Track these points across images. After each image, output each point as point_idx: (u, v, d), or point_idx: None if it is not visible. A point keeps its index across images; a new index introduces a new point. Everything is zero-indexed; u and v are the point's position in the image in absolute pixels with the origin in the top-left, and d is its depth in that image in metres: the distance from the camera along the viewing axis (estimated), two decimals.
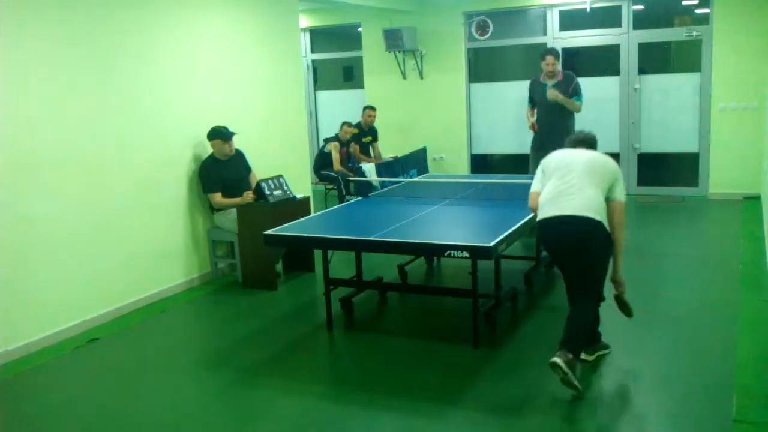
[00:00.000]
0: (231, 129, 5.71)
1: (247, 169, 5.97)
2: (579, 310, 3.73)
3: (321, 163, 8.24)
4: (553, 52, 6.81)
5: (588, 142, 4.01)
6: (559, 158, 3.88)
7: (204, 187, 5.72)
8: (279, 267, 5.83)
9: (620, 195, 3.71)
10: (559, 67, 6.93)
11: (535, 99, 6.92)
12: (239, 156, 5.86)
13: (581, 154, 3.83)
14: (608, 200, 3.68)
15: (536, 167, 6.59)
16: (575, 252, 3.66)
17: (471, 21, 9.52)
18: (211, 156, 5.72)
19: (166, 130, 5.52)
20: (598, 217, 3.58)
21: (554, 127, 6.64)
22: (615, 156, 8.90)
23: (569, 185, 3.68)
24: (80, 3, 4.76)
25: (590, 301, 3.76)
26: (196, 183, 5.78)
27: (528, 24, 9.46)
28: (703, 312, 4.69)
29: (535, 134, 6.95)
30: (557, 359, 3.42)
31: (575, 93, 6.71)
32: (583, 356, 3.84)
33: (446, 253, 3.83)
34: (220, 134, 5.63)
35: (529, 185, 5.68)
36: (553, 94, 6.63)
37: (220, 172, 5.69)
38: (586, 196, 3.62)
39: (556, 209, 3.67)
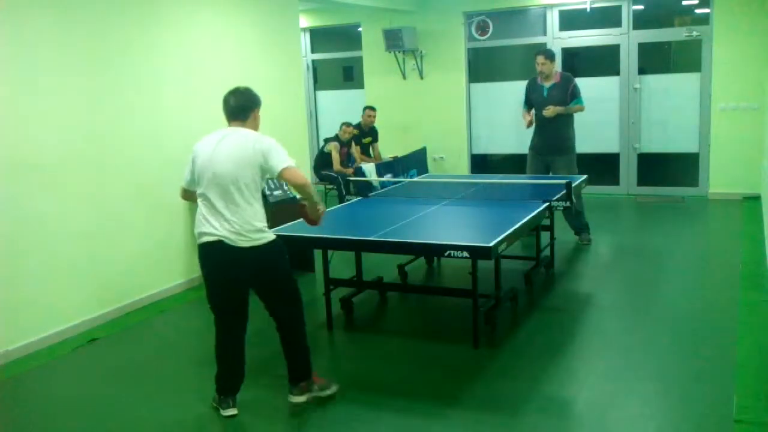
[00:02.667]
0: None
1: None
2: (293, 327, 3.47)
3: (321, 163, 8.24)
4: (545, 52, 6.56)
5: (242, 108, 3.37)
6: (208, 165, 3.28)
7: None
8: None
9: (281, 163, 3.22)
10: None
11: (533, 100, 6.71)
12: None
13: (228, 162, 3.24)
14: (278, 176, 3.26)
15: (534, 169, 6.63)
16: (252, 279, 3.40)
17: (471, 21, 9.52)
18: None
19: (166, 130, 5.52)
20: (247, 242, 3.24)
21: (553, 129, 6.48)
22: (615, 156, 8.98)
23: (218, 204, 3.25)
24: (81, 3, 4.76)
25: (297, 311, 3.50)
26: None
27: (528, 24, 9.46)
28: (703, 312, 4.69)
29: (534, 135, 6.78)
30: (293, 399, 3.45)
31: (574, 96, 6.46)
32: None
33: (446, 253, 3.83)
34: None
35: (529, 185, 5.73)
36: (551, 111, 6.36)
37: None
38: (238, 216, 3.24)
39: (205, 236, 3.29)
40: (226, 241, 3.25)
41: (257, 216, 3.31)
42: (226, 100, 3.41)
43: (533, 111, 6.72)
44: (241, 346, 3.53)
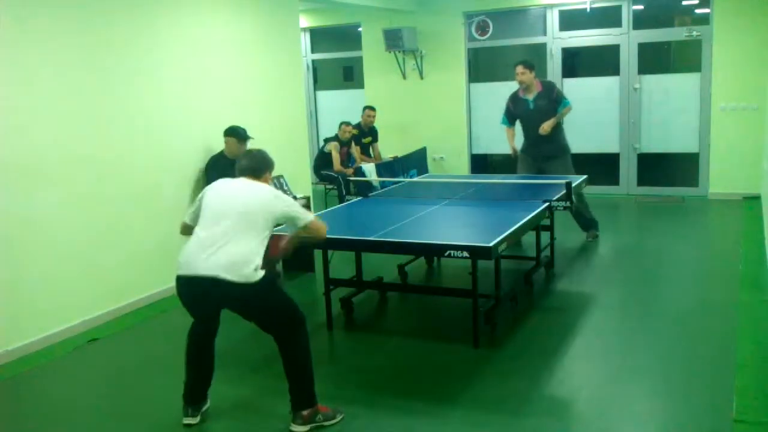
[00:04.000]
0: (249, 134, 5.68)
1: None
2: (288, 352, 3.28)
3: (321, 163, 8.24)
4: (524, 62, 6.36)
5: (252, 169, 3.40)
6: (216, 198, 3.32)
7: (208, 182, 5.71)
8: (279, 267, 5.83)
9: (304, 218, 3.33)
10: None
11: (517, 114, 6.53)
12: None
13: (238, 196, 3.28)
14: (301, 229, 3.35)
15: (524, 170, 6.57)
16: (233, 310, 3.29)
17: (471, 21, 9.52)
18: (221, 153, 5.73)
19: (167, 131, 5.52)
20: (235, 277, 3.08)
21: (544, 138, 6.37)
22: (615, 156, 8.98)
23: (216, 236, 3.19)
24: (81, 4, 4.76)
25: (291, 337, 3.29)
26: (197, 183, 5.77)
27: (528, 24, 9.46)
28: (703, 312, 4.69)
29: (524, 141, 6.65)
30: (295, 428, 3.25)
31: (559, 101, 6.37)
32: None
33: (446, 253, 3.83)
34: (236, 133, 5.62)
35: (529, 185, 5.73)
36: (547, 128, 6.29)
37: (227, 170, 5.67)
38: (231, 252, 3.13)
39: (189, 267, 3.27)
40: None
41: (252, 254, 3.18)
42: (239, 161, 3.46)
43: (516, 125, 6.61)
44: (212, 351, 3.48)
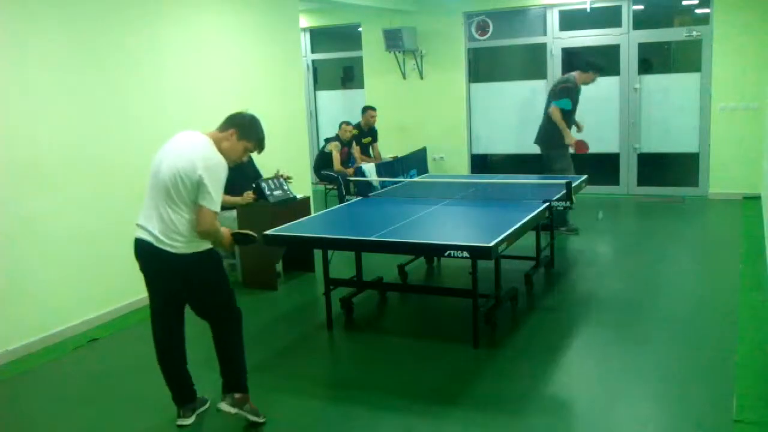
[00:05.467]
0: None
1: (256, 174, 5.92)
2: (222, 337, 3.37)
3: (321, 163, 8.23)
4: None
5: (227, 118, 3.32)
6: (158, 154, 3.26)
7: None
8: (279, 267, 5.83)
9: (204, 201, 3.10)
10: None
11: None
12: (249, 159, 5.80)
13: (174, 153, 3.20)
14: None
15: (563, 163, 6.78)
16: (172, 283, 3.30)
17: (471, 21, 9.52)
18: None
19: (167, 131, 5.42)
20: (176, 245, 3.14)
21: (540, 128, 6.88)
22: (615, 156, 8.98)
23: (149, 199, 3.22)
24: (81, 3, 4.76)
25: (228, 323, 3.37)
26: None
27: (528, 24, 9.46)
28: (703, 312, 4.69)
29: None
30: (224, 407, 3.29)
31: (550, 99, 6.90)
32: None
33: (446, 253, 3.83)
34: None
35: (529, 185, 5.72)
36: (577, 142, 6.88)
37: (228, 171, 5.65)
38: (163, 219, 3.15)
39: (140, 230, 3.27)
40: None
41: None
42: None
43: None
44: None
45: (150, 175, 3.26)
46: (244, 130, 3.30)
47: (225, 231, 3.31)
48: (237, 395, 3.34)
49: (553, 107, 6.71)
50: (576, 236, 6.80)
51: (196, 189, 3.10)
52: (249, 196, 5.53)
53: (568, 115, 6.80)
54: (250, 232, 3.41)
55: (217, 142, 3.25)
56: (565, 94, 6.74)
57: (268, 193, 5.48)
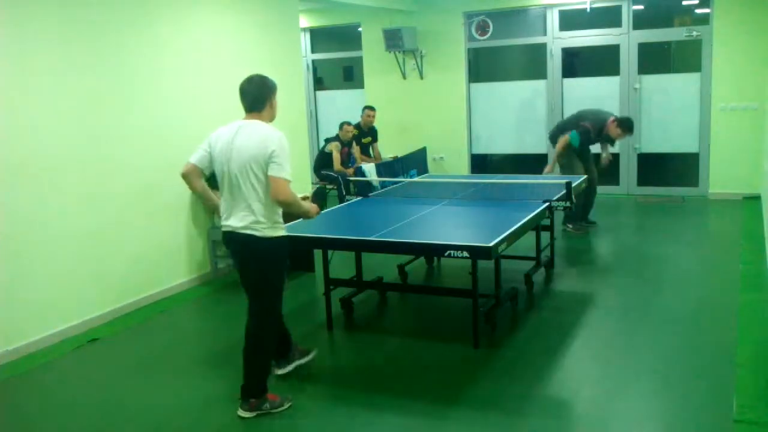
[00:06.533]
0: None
1: None
2: (250, 325, 3.51)
3: (321, 163, 8.23)
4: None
5: (254, 99, 3.44)
6: (221, 148, 3.42)
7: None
8: None
9: (278, 172, 3.28)
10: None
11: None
12: None
13: (238, 142, 3.37)
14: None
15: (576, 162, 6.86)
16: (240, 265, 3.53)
17: (471, 21, 9.52)
18: None
19: (167, 131, 5.52)
20: (250, 231, 3.35)
21: None
22: (615, 156, 8.97)
23: (231, 192, 3.39)
24: (81, 3, 4.76)
25: (261, 315, 3.51)
26: None
27: (528, 24, 9.46)
28: (703, 312, 4.69)
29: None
30: (241, 413, 3.44)
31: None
32: (278, 371, 3.80)
33: (446, 253, 3.83)
34: None
35: (529, 185, 5.72)
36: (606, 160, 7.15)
37: None
38: (242, 207, 3.36)
39: (228, 220, 3.43)
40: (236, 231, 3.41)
41: (263, 210, 3.36)
42: (242, 90, 3.46)
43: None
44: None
45: (219, 172, 3.45)
46: (272, 89, 3.50)
47: (314, 207, 3.68)
48: (252, 400, 3.46)
49: (566, 136, 6.77)
50: (584, 235, 6.85)
51: (266, 165, 3.30)
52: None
53: (572, 149, 6.86)
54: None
55: (268, 119, 3.50)
56: (584, 136, 6.80)
57: None
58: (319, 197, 5.34)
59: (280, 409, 3.48)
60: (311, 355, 3.97)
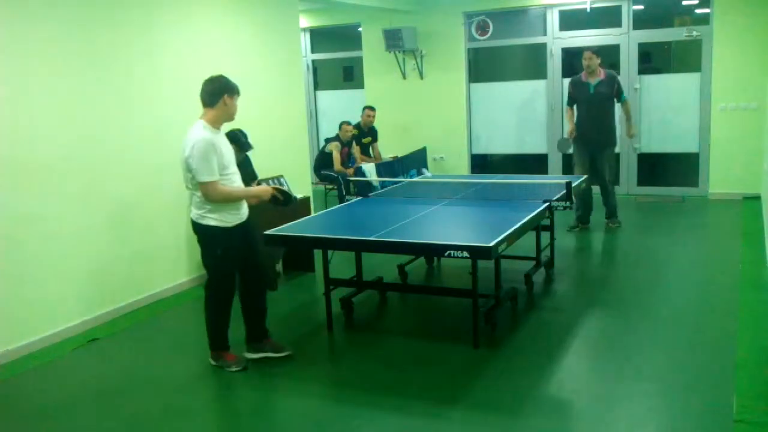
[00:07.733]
0: (252, 141, 5.51)
1: (253, 175, 5.86)
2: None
3: (321, 163, 8.24)
4: (592, 48, 6.96)
5: (208, 94, 3.82)
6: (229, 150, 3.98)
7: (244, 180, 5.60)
8: (279, 267, 5.83)
9: (198, 176, 3.68)
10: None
11: (577, 98, 6.99)
12: (245, 160, 5.78)
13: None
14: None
15: (581, 161, 6.92)
16: None
17: (471, 21, 9.52)
18: None
19: (167, 131, 5.51)
20: (194, 218, 3.87)
21: (598, 122, 6.86)
22: (615, 156, 8.95)
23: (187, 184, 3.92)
24: (80, 4, 4.76)
25: (207, 283, 4.02)
26: None
27: (528, 24, 9.46)
28: (703, 312, 4.69)
29: (579, 129, 6.97)
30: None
31: (621, 92, 6.90)
32: (247, 354, 4.12)
33: (446, 253, 3.83)
34: (236, 140, 5.26)
35: (529, 185, 5.72)
36: (632, 133, 7.33)
37: None
38: (192, 199, 3.89)
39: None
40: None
41: (199, 202, 3.83)
42: (201, 87, 3.82)
43: (576, 109, 7.02)
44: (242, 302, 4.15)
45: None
46: (225, 86, 3.80)
47: (265, 188, 4.04)
48: (213, 352, 4.05)
49: (628, 102, 6.97)
50: (586, 231, 7.01)
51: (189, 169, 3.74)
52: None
53: (582, 149, 7.01)
54: (291, 193, 4.05)
55: (216, 118, 3.80)
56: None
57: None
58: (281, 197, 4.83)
59: (228, 369, 3.94)
60: (284, 354, 4.12)
